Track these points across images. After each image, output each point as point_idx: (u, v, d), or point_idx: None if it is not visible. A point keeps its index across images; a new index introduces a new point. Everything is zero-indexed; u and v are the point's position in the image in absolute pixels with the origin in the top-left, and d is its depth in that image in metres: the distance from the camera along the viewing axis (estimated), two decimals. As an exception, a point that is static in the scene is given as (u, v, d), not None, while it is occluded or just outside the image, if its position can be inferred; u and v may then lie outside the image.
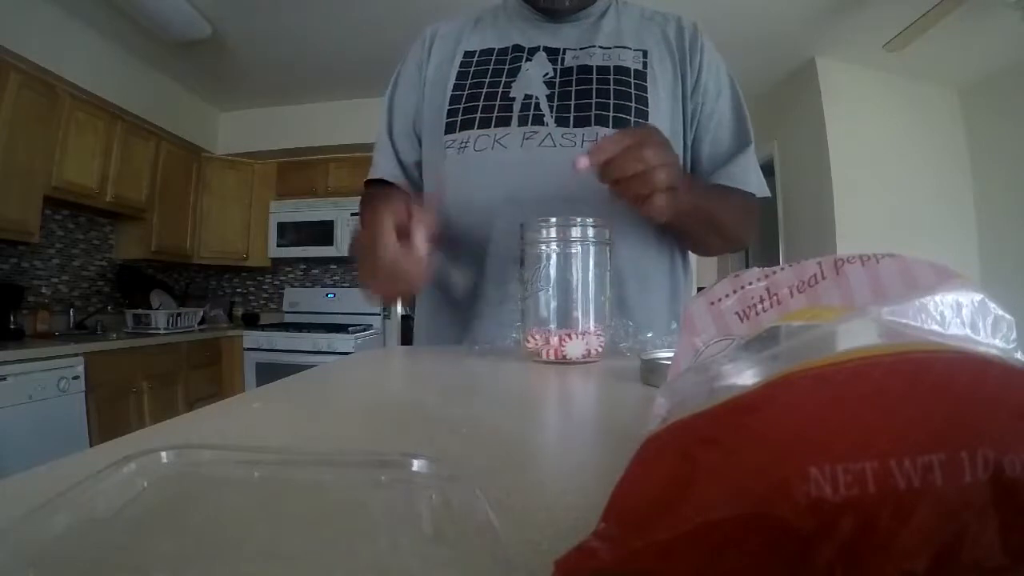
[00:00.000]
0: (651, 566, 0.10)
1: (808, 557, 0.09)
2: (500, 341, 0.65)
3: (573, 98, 0.70)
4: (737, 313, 0.21)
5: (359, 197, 0.83)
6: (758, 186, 0.71)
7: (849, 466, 0.09)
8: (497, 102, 0.71)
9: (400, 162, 0.80)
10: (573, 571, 0.11)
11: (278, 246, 3.39)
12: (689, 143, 0.74)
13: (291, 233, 3.36)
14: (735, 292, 0.21)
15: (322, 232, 3.31)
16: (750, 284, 0.21)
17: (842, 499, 0.09)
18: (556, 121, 0.69)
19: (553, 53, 0.73)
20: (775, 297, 0.20)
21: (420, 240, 0.50)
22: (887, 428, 0.10)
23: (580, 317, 0.53)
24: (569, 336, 0.52)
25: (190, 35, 2.54)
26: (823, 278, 0.19)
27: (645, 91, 0.70)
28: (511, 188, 0.68)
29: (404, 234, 0.50)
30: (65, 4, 2.34)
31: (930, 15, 2.21)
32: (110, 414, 2.25)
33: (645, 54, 0.72)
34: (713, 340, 0.21)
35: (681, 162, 0.74)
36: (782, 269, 0.20)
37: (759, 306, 0.20)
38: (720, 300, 0.22)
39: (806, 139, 3.04)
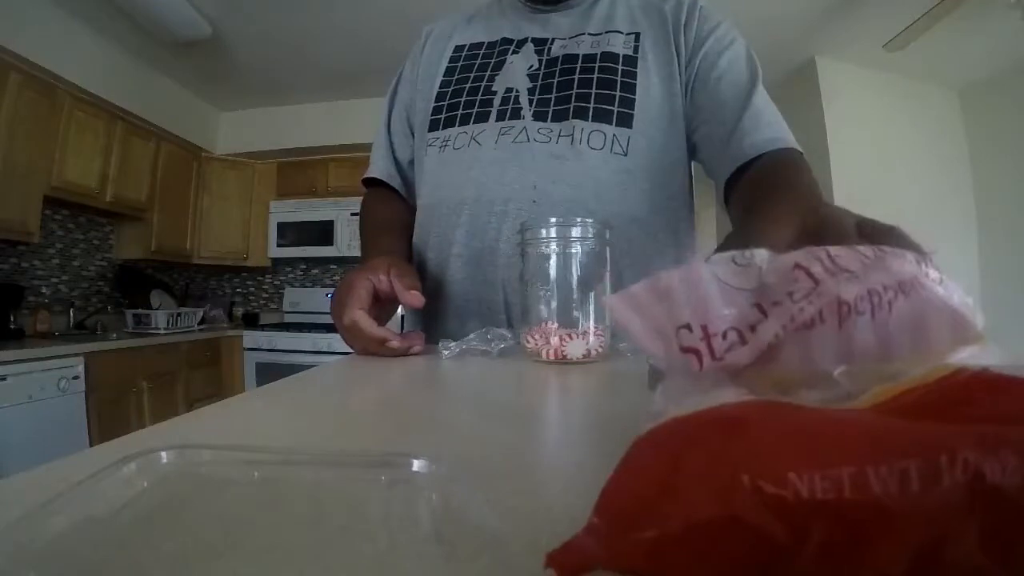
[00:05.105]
0: (638, 564, 0.10)
1: (785, 562, 0.09)
2: (466, 341, 0.64)
3: (554, 91, 0.67)
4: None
5: (359, 197, 0.83)
6: (786, 135, 0.69)
7: (827, 472, 0.09)
8: (479, 97, 0.69)
9: (396, 160, 0.79)
10: (564, 564, 0.11)
11: (278, 246, 3.39)
12: (688, 112, 0.70)
13: (291, 233, 3.37)
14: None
15: (322, 232, 3.31)
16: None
17: (818, 504, 0.09)
18: (534, 115, 0.66)
19: (540, 44, 0.71)
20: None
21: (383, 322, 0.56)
22: (865, 434, 0.10)
23: (580, 317, 0.53)
24: (569, 336, 0.52)
25: (190, 35, 2.54)
26: (821, 322, 0.15)
27: (633, 77, 0.67)
28: (479, 186, 0.66)
29: (380, 299, 0.58)
30: (65, 4, 2.34)
31: (930, 15, 2.21)
32: (110, 414, 2.25)
33: (637, 37, 0.70)
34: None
35: (684, 141, 0.70)
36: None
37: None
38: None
39: (806, 139, 3.02)
